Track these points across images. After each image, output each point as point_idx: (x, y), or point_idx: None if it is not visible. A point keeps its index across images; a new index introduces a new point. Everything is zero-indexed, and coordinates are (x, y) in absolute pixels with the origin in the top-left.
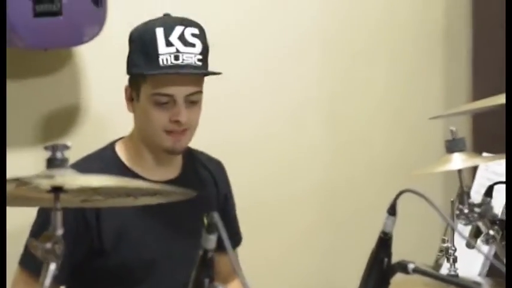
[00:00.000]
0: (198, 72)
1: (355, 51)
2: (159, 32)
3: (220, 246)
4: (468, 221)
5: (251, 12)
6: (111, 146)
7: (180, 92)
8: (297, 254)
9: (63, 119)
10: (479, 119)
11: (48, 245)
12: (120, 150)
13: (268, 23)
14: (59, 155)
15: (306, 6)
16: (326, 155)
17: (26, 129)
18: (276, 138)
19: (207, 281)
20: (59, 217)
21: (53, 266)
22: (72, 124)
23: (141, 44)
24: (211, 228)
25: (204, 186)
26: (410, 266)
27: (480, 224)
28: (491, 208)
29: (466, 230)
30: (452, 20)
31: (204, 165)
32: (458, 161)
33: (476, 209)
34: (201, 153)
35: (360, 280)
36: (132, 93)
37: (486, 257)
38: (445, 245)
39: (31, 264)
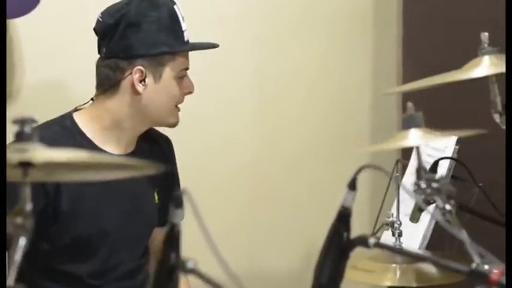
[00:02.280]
0: (216, 46)
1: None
2: (177, 9)
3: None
4: (425, 195)
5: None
6: (69, 116)
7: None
8: (234, 233)
9: None
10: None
11: (19, 220)
12: (80, 121)
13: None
14: (27, 128)
15: None
16: (259, 137)
17: None
18: (207, 118)
19: (173, 255)
20: (27, 192)
21: (23, 241)
22: (10, 98)
23: (166, 23)
24: (179, 203)
25: (156, 161)
26: (371, 241)
27: (437, 198)
28: (448, 183)
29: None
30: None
31: (156, 140)
32: (415, 137)
33: (434, 184)
34: (151, 128)
35: (317, 256)
36: (149, 74)
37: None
38: (390, 219)
39: None
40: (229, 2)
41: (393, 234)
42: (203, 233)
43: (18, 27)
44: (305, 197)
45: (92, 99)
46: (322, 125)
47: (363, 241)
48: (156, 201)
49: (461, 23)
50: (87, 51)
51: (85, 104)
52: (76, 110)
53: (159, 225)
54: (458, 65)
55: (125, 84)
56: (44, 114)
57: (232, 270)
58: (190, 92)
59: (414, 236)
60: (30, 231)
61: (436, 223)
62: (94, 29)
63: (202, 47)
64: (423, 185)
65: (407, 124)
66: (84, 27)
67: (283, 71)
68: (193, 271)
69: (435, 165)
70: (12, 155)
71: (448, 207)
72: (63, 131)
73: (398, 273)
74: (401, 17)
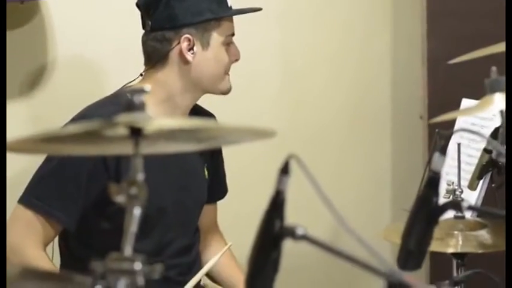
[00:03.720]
0: (259, 9)
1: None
2: None
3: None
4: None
5: None
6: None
7: None
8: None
9: (33, 72)
10: (433, 70)
11: (133, 190)
12: None
13: None
14: (136, 98)
15: None
16: (284, 110)
17: None
18: (232, 92)
19: (278, 222)
20: (139, 161)
21: (137, 211)
22: (42, 77)
23: None
24: (286, 169)
25: None
26: (465, 204)
27: None
28: None
29: (467, 171)
30: None
31: (202, 116)
32: (501, 101)
33: None
34: (198, 105)
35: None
36: (197, 42)
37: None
38: (451, 187)
39: (35, 202)
40: None
41: None
42: (321, 197)
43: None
44: (330, 169)
45: (141, 74)
46: (346, 97)
47: (455, 205)
48: (206, 177)
49: None
50: (120, 30)
51: (133, 80)
52: (126, 86)
53: (208, 201)
54: (488, 34)
55: (174, 54)
56: (76, 92)
57: (357, 234)
58: (237, 60)
59: None
60: (144, 201)
61: (486, 191)
62: (136, 4)
63: (246, 11)
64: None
65: (492, 88)
66: (117, 6)
67: (307, 45)
68: (305, 237)
69: (496, 132)
70: (123, 124)
71: None
72: (118, 108)
73: (460, 240)
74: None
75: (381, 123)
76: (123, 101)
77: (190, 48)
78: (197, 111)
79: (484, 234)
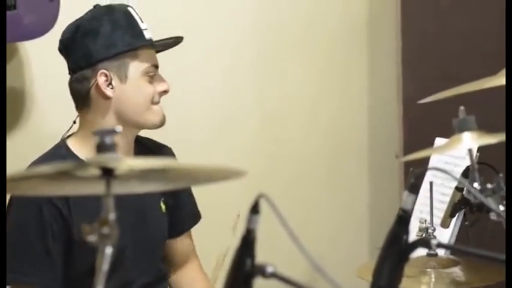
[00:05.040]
0: (179, 40)
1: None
2: (132, 11)
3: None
4: (479, 197)
5: (188, 12)
6: (63, 144)
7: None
8: None
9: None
10: (408, 111)
11: (105, 230)
12: (73, 147)
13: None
14: (107, 140)
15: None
16: (260, 156)
17: None
18: (209, 137)
19: (249, 260)
20: (111, 201)
21: (109, 250)
22: (16, 119)
23: (121, 23)
24: (256, 208)
25: None
26: (434, 242)
27: (490, 200)
28: (502, 184)
29: (441, 209)
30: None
31: (154, 152)
32: (469, 140)
33: (489, 185)
34: (148, 139)
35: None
36: (114, 76)
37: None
38: (424, 225)
39: (12, 276)
40: (230, 23)
41: None
42: (290, 236)
43: (29, 49)
44: (308, 208)
45: (74, 122)
46: (324, 137)
47: (424, 243)
48: (163, 211)
49: (458, 35)
50: None
51: (69, 129)
52: (68, 136)
53: (171, 235)
54: (461, 75)
55: (94, 92)
56: (53, 134)
57: (324, 270)
58: (166, 91)
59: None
60: (115, 240)
61: (459, 229)
62: (58, 50)
63: (166, 43)
64: (477, 186)
65: (459, 128)
66: None
67: (285, 87)
68: (275, 275)
69: (467, 170)
70: (94, 165)
71: (502, 207)
72: (60, 161)
73: (433, 277)
74: (400, 31)
75: (358, 162)
76: (98, 142)
77: (109, 84)
78: (148, 146)
79: (456, 272)
